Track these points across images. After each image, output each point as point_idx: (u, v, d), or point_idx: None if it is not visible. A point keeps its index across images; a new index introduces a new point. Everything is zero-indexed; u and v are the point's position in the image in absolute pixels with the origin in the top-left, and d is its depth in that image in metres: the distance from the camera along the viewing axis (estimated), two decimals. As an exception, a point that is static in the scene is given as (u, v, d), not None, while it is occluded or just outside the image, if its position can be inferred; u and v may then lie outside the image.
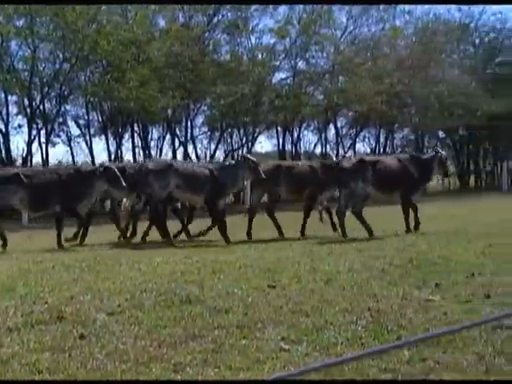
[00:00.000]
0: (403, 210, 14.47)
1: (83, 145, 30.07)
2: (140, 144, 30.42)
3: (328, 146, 36.67)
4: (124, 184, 13.18)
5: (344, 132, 38.32)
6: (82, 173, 13.71)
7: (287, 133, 34.21)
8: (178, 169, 13.93)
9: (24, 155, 26.00)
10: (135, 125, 30.20)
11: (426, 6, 36.99)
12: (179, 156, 30.31)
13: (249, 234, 14.53)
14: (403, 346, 5.18)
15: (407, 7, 35.86)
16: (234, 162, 15.26)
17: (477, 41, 41.18)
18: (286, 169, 15.45)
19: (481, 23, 40.22)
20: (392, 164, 14.75)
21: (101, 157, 30.77)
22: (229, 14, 29.59)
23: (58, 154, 41.69)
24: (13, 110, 27.23)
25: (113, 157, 28.94)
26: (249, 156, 15.11)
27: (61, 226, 13.22)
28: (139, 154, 30.03)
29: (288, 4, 30.08)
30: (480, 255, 10.12)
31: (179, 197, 14.50)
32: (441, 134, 42.59)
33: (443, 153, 15.91)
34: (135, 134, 30.29)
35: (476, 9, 39.24)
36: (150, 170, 13.86)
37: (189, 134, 31.40)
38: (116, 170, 13.54)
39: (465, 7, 38.72)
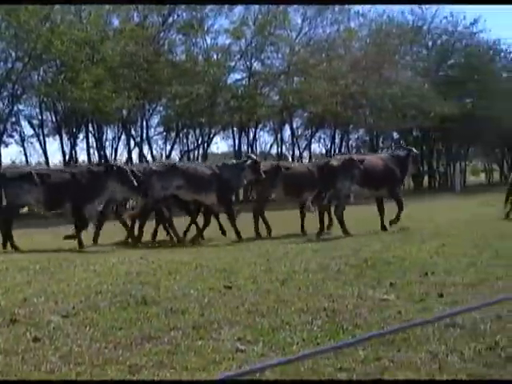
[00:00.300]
0: (396, 203, 15.08)
1: (37, 145, 29.75)
2: (95, 144, 30.14)
3: (284, 147, 36.83)
4: (136, 184, 13.11)
5: (299, 133, 38.52)
6: (94, 172, 13.66)
7: (243, 133, 34.23)
8: (183, 171, 14.14)
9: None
10: (90, 125, 29.89)
11: (380, 9, 37.43)
12: (134, 156, 30.14)
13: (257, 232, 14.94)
14: (356, 344, 5.20)
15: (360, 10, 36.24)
16: (235, 161, 15.60)
17: (429, 43, 41.75)
18: (285, 169, 15.78)
19: (433, 26, 40.87)
20: (378, 162, 15.28)
21: (55, 157, 30.48)
22: (184, 14, 29.45)
23: (11, 154, 41.15)
24: (-37, 109, 26.80)
25: (67, 157, 28.62)
26: (252, 155, 15.64)
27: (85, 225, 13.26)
28: (94, 155, 29.77)
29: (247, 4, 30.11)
30: (434, 255, 10.26)
31: (187, 198, 14.59)
32: (395, 135, 43.09)
33: (415, 151, 16.53)
34: (90, 135, 30.00)
35: (428, 11, 39.85)
36: (154, 170, 14.06)
37: (144, 135, 31.22)
38: (128, 170, 13.54)
39: (418, 10, 39.30)
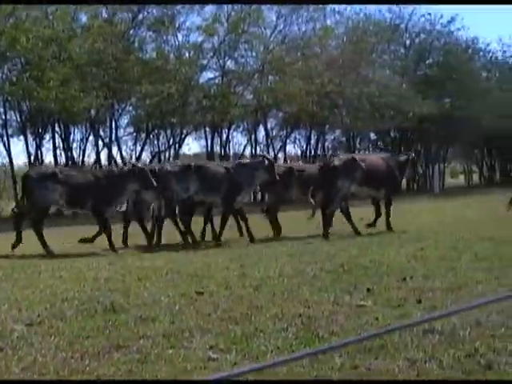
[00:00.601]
0: (386, 203, 15.25)
1: (0, 146, 29.14)
2: (61, 145, 29.68)
3: (258, 148, 36.56)
4: (155, 184, 13.03)
5: (274, 133, 38.32)
6: (116, 174, 13.68)
7: (216, 134, 33.96)
8: (197, 171, 13.99)
9: None
10: (56, 125, 29.43)
11: (357, 7, 37.38)
12: (103, 158, 29.78)
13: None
14: (332, 351, 5.08)
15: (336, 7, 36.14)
16: (250, 161, 15.63)
17: (407, 42, 41.71)
18: (298, 171, 15.70)
19: (411, 24, 40.83)
20: (379, 162, 15.40)
21: (19, 158, 30.00)
22: (154, 10, 29.09)
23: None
24: None
25: (32, 158, 28.14)
26: (267, 155, 15.56)
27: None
28: (60, 156, 29.34)
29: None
30: (412, 259, 10.16)
31: (199, 199, 14.40)
32: (372, 135, 43.05)
33: (414, 155, 17.07)
34: (56, 135, 29.53)
35: (406, 10, 39.88)
36: (170, 171, 13.91)
37: (113, 135, 30.82)
38: (148, 171, 13.45)
39: (395, 8, 39.32)
